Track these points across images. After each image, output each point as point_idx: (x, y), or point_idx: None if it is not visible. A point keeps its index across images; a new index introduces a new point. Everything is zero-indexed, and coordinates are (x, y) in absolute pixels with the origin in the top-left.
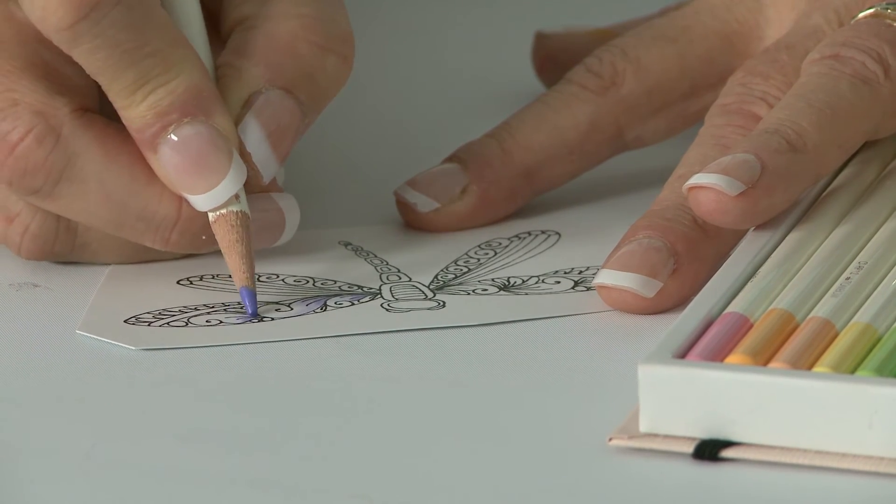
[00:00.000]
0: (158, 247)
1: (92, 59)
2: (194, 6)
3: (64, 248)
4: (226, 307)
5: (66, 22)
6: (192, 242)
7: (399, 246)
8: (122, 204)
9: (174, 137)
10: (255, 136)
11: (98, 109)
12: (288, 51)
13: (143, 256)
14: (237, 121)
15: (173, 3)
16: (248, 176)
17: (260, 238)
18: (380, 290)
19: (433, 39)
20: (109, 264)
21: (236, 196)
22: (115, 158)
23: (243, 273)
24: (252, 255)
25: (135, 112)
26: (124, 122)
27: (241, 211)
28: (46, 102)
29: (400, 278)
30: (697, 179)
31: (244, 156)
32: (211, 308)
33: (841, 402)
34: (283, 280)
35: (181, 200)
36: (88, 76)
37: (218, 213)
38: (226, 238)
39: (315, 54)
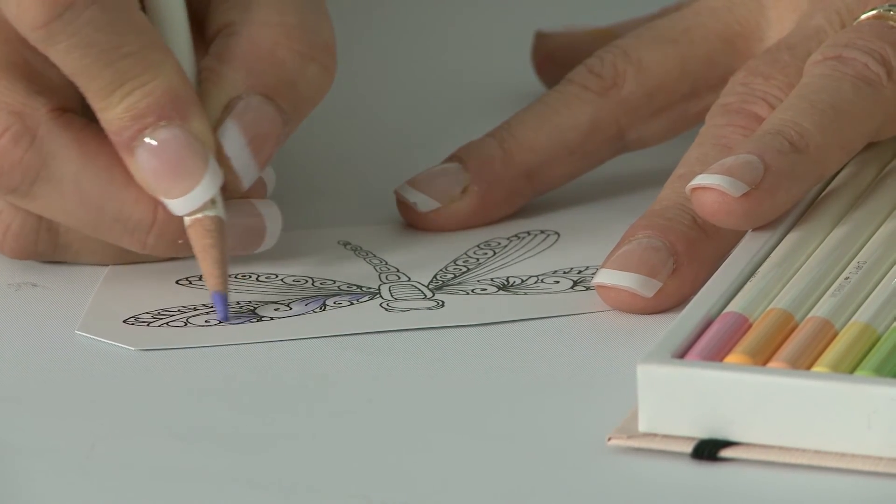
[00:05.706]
0: (136, 249)
1: (68, 59)
2: (180, 11)
3: (46, 247)
4: None
5: (39, 20)
6: (169, 246)
7: (398, 246)
8: (98, 206)
9: (150, 141)
10: (235, 142)
11: (79, 111)
12: (269, 58)
13: (126, 258)
14: (217, 125)
15: (159, 7)
16: (227, 181)
17: (240, 244)
18: (379, 289)
19: (433, 39)
20: (92, 265)
21: (212, 201)
22: (92, 160)
23: (216, 278)
24: (226, 260)
25: (111, 114)
26: (102, 123)
27: (216, 216)
28: (24, 102)
29: (399, 278)
30: (701, 180)
31: (223, 161)
32: (210, 308)
33: (840, 402)
34: (282, 280)
35: (157, 204)
36: None
37: (193, 217)
38: (199, 242)
39: (296, 62)
